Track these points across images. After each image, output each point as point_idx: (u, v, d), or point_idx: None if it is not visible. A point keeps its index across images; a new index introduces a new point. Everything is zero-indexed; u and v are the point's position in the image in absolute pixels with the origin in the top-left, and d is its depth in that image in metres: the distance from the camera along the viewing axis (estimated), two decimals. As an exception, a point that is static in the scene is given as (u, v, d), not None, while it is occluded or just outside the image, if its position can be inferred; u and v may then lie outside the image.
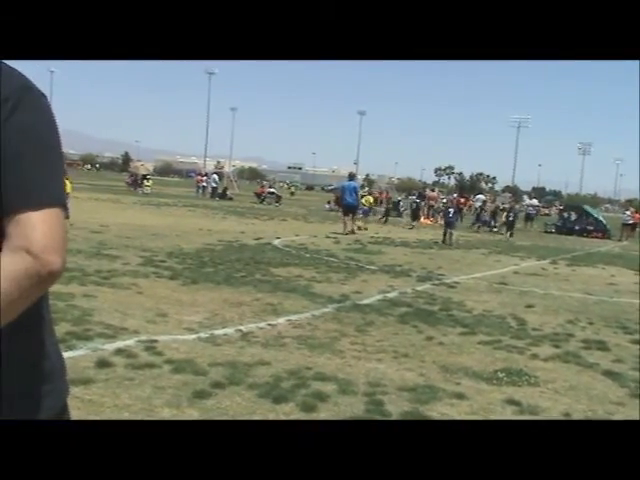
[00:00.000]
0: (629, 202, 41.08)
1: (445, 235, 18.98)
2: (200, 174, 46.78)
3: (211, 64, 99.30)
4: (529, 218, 32.25)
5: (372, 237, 18.61)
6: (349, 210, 20.16)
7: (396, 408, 4.43)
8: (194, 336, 5.92)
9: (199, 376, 4.77)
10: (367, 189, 37.80)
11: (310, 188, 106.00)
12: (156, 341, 5.56)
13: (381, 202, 33.77)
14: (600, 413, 4.64)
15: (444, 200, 34.07)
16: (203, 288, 8.28)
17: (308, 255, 12.91)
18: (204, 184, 41.09)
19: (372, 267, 11.83)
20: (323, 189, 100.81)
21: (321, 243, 15.66)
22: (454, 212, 20.72)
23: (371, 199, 28.40)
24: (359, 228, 20.81)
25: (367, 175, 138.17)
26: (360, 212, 22.70)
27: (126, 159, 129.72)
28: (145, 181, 38.57)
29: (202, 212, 24.75)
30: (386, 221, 28.03)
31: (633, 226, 30.06)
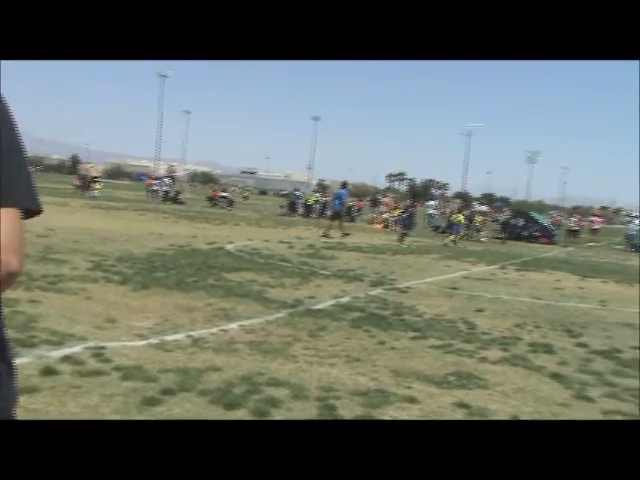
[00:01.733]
0: (575, 209, 42.42)
1: (402, 237, 20.94)
2: (151, 177, 46.11)
3: (164, 66, 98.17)
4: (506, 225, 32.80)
5: (325, 242, 18.66)
6: (337, 216, 22.22)
7: (348, 412, 4.45)
8: (144, 342, 5.82)
9: (149, 383, 4.69)
10: (319, 194, 37.91)
11: (263, 193, 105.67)
12: (104, 347, 5.45)
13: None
14: (546, 414, 4.75)
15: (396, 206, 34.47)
16: (154, 293, 8.16)
17: (261, 260, 12.86)
18: (156, 188, 40.50)
19: (325, 272, 11.86)
20: (277, 194, 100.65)
21: (274, 248, 15.62)
22: (409, 216, 21.86)
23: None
24: (344, 234, 21.38)
25: (321, 180, 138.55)
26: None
27: (75, 161, 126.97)
28: (94, 184, 37.79)
29: (153, 216, 24.39)
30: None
31: (577, 232, 30.99)
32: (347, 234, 21.38)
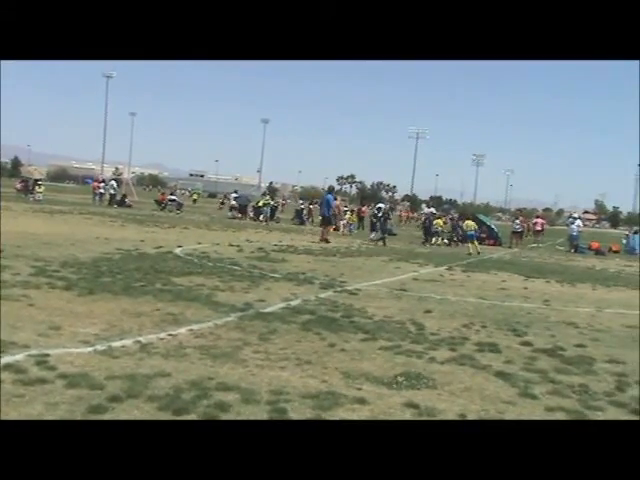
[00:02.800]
0: (519, 211, 43.52)
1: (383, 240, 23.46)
2: (97, 180, 45.13)
3: (108, 67, 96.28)
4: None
5: (276, 245, 18.63)
6: (327, 221, 22.87)
7: (299, 416, 4.44)
8: (90, 349, 5.69)
9: (95, 390, 4.58)
10: (267, 197, 37.84)
11: (213, 196, 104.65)
12: (48, 355, 5.30)
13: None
14: (492, 412, 4.85)
15: (345, 208, 34.73)
16: (100, 299, 7.99)
17: (211, 264, 12.74)
18: (101, 191, 39.68)
19: (276, 275, 11.83)
20: (226, 196, 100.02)
21: (224, 251, 15.50)
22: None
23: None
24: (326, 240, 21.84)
25: (270, 183, 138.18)
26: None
27: (16, 164, 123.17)
28: (37, 187, 36.77)
29: (99, 220, 23.88)
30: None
31: (521, 234, 31.77)
32: (328, 241, 21.63)
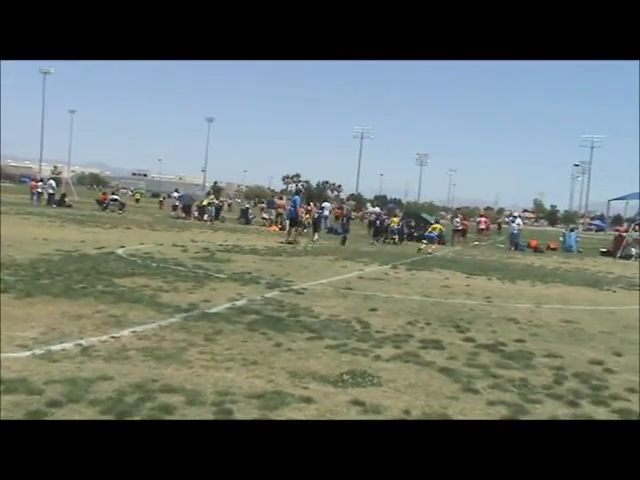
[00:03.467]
0: (458, 210, 44.67)
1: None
2: (35, 179, 43.77)
3: (46, 63, 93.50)
4: (371, 225, 33.72)
5: (221, 245, 18.48)
6: (294, 222, 22.99)
7: (245, 416, 4.43)
8: (28, 353, 5.53)
9: (33, 395, 4.46)
10: (212, 196, 37.49)
11: (156, 195, 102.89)
12: (-16, 360, 5.12)
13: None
14: (436, 408, 4.94)
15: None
16: (39, 301, 7.76)
17: (154, 264, 12.54)
18: (40, 190, 38.49)
19: (221, 275, 11.74)
20: (169, 196, 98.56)
21: (168, 252, 15.28)
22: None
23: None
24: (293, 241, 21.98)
25: (215, 182, 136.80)
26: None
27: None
28: (-29, 187, 35.42)
29: (37, 220, 23.18)
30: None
31: (463, 232, 32.44)
32: (292, 242, 21.68)
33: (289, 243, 21.56)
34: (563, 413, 5.03)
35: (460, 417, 4.75)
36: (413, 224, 31.21)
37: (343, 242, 23.86)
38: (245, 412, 4.50)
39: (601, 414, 5.09)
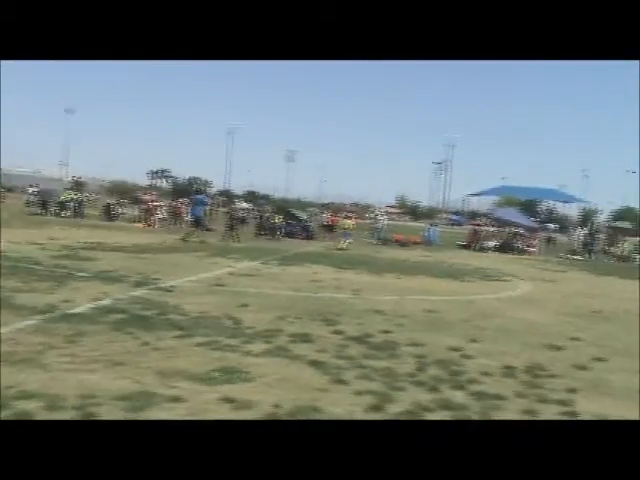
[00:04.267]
0: (325, 206, 46.05)
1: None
2: None
3: None
4: (242, 221, 33.66)
5: (85, 242, 17.63)
6: (198, 222, 22.89)
7: (110, 419, 4.26)
8: None
9: None
10: (72, 191, 35.69)
11: (10, 190, 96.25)
12: None
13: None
14: (307, 400, 5.03)
15: (161, 204, 33.81)
16: None
17: (9, 263, 11.72)
18: None
19: (83, 274, 11.21)
20: (23, 191, 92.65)
21: (24, 250, 14.35)
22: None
23: None
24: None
25: (76, 177, 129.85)
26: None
27: None
28: None
29: None
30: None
31: (331, 227, 33.22)
32: (187, 241, 21.28)
33: (184, 241, 21.29)
34: (425, 399, 5.29)
35: (331, 408, 4.87)
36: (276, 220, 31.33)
37: (232, 238, 23.74)
38: (110, 415, 4.33)
39: (459, 397, 5.42)
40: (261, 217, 31.17)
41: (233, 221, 25.49)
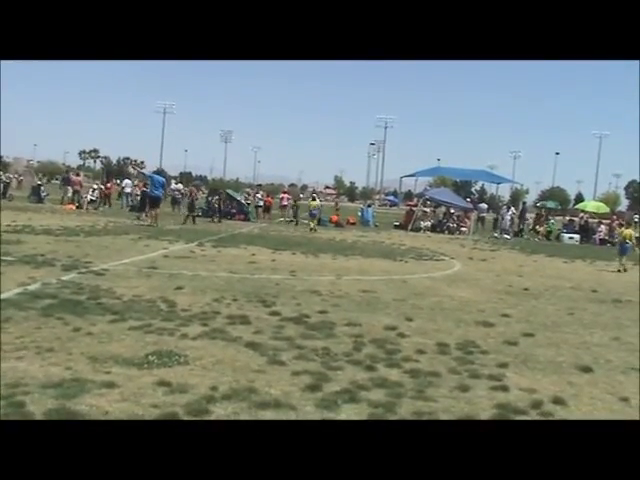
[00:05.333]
0: (259, 186, 46.08)
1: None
2: None
3: None
4: (175, 202, 33.14)
5: (9, 225, 16.96)
6: (156, 203, 21.60)
7: (39, 407, 4.14)
8: None
9: None
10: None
11: None
12: None
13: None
14: (243, 382, 5.01)
15: (94, 187, 32.93)
16: None
17: None
18: None
19: (9, 258, 10.79)
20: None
21: (-55, 234, 13.69)
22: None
23: None
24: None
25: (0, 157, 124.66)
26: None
27: None
28: None
29: None
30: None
31: (267, 208, 33.10)
32: (151, 226, 20.73)
33: (149, 226, 20.68)
34: (361, 377, 5.37)
35: (267, 389, 4.87)
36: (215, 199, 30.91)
37: (193, 220, 23.76)
38: (40, 403, 4.20)
39: (394, 375, 5.52)
40: (197, 199, 30.66)
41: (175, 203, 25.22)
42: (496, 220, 35.59)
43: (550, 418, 4.62)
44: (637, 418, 4.75)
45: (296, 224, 29.30)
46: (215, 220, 27.51)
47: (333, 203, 44.61)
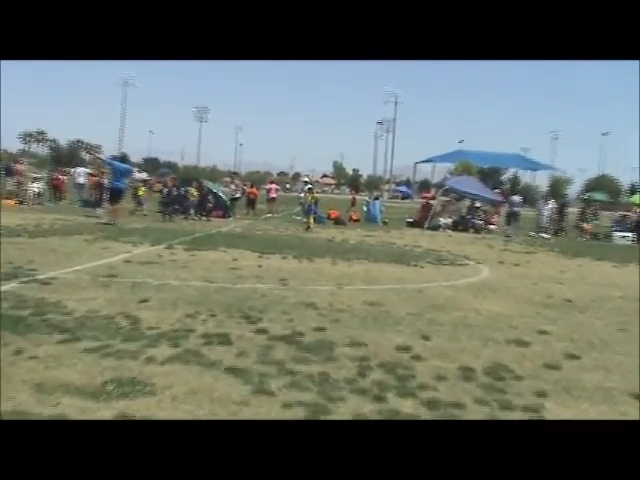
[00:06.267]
0: (235, 174, 45.68)
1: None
2: None
3: None
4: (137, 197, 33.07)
5: None
6: (117, 196, 21.82)
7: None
8: None
9: None
10: None
11: None
12: None
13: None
14: (224, 416, 5.01)
15: (37, 176, 32.87)
16: None
17: None
18: None
19: None
20: None
21: None
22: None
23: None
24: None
25: None
26: None
27: None
28: None
29: None
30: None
31: (251, 202, 33.04)
32: (110, 224, 20.86)
33: (108, 224, 20.81)
34: (369, 410, 5.37)
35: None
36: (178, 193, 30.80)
37: (170, 217, 24.57)
38: (-27, 443, 4.20)
39: (407, 406, 5.52)
40: (161, 191, 30.57)
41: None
42: (532, 216, 35.66)
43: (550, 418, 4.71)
44: None
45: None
46: (187, 218, 27.50)
47: (332, 195, 44.62)
